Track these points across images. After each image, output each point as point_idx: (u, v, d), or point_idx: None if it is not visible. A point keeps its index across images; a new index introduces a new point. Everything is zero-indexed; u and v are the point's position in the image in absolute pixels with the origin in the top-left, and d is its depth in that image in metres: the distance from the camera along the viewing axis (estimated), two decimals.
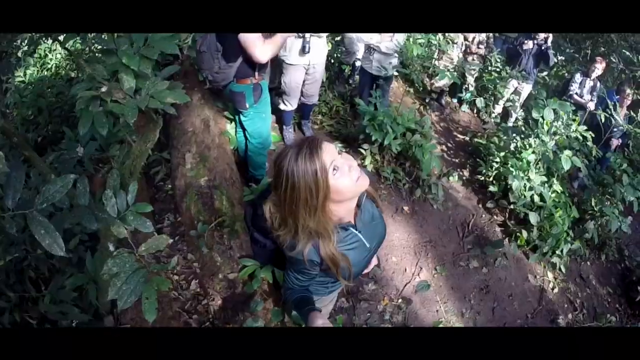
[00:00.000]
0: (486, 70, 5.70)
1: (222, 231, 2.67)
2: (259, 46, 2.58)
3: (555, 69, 7.33)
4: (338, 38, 5.49)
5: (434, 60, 5.20)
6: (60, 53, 5.44)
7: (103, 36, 1.74)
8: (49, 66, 5.49)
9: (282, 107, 3.73)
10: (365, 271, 1.67)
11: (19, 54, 5.05)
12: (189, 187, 2.91)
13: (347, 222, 1.42)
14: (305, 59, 3.43)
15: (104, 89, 1.72)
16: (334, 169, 1.24)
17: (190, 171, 3.00)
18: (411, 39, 4.13)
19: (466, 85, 5.78)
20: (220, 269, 2.54)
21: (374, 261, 1.72)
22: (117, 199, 1.66)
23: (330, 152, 1.25)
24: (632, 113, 4.80)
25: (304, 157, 1.21)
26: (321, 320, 1.34)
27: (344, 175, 1.26)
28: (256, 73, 2.82)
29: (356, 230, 1.47)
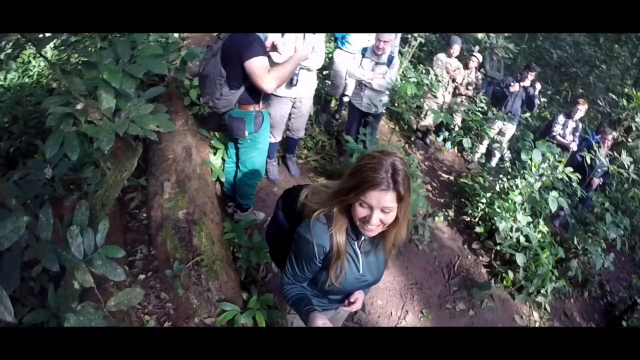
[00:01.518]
0: (472, 111, 5.76)
1: (199, 271, 2.45)
2: (265, 76, 2.47)
3: (537, 111, 7.53)
4: (325, 72, 5.48)
5: (420, 99, 5.22)
6: (44, 61, 5.18)
7: (86, 45, 1.57)
8: (31, 73, 5.20)
9: None
10: (348, 308, 1.64)
11: (2, 57, 4.75)
12: (166, 220, 2.69)
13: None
14: (292, 91, 3.33)
15: (79, 106, 1.53)
16: (362, 204, 1.30)
17: (168, 202, 2.79)
18: (402, 78, 4.10)
19: (452, 125, 5.80)
20: (196, 312, 2.32)
21: (359, 301, 1.64)
22: (84, 237, 1.44)
23: (379, 201, 1.27)
24: (614, 153, 4.89)
25: (377, 177, 1.25)
26: (321, 321, 1.37)
27: (360, 213, 1.32)
28: (261, 101, 2.71)
29: (359, 249, 1.52)
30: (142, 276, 2.64)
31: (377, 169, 1.25)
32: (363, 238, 1.49)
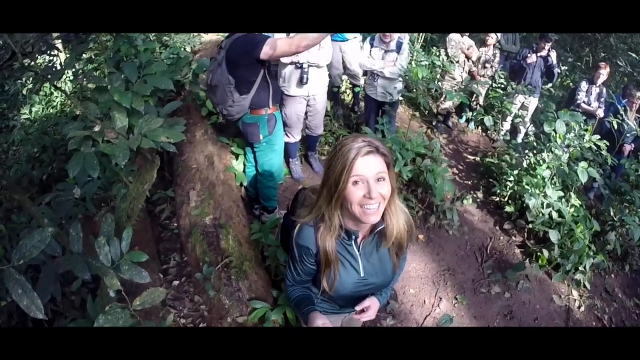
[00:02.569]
0: (491, 88, 5.62)
1: (229, 272, 2.54)
2: (289, 41, 2.37)
3: (559, 80, 7.25)
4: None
5: (436, 81, 5.14)
6: (67, 88, 5.47)
7: (95, 73, 1.69)
8: (54, 104, 5.52)
9: (285, 139, 3.65)
10: (358, 316, 1.54)
11: (24, 92, 5.08)
12: (194, 227, 2.80)
13: (354, 229, 1.40)
14: (304, 90, 3.37)
15: (96, 128, 1.64)
16: (355, 182, 1.25)
17: (194, 209, 2.90)
18: (413, 62, 4.07)
19: (474, 105, 5.69)
20: (228, 312, 2.41)
21: (372, 309, 1.55)
22: (110, 246, 1.55)
23: (369, 167, 1.25)
24: None
25: (354, 147, 1.23)
26: (321, 321, 1.36)
27: (356, 194, 1.26)
28: (270, 102, 2.72)
29: (358, 251, 1.46)
30: (176, 282, 2.76)
31: (353, 143, 1.24)
32: (361, 238, 1.45)
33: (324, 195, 1.33)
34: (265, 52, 2.42)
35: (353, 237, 1.41)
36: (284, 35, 3.03)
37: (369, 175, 1.24)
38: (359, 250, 1.46)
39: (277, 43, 2.41)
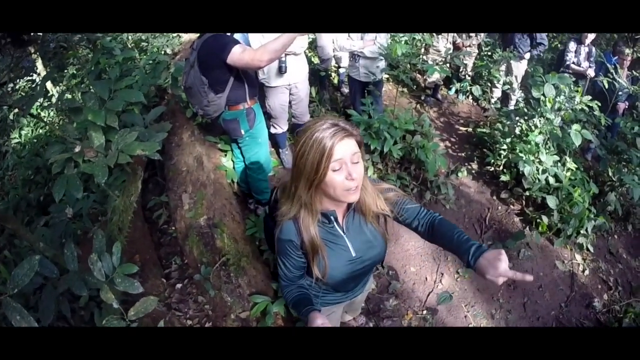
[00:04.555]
0: (478, 57, 5.55)
1: (228, 270, 2.58)
2: (253, 53, 2.38)
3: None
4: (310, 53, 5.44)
5: (421, 56, 5.09)
6: (52, 110, 5.48)
7: (67, 95, 1.70)
8: (43, 124, 5.52)
9: (272, 130, 3.65)
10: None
11: (11, 117, 5.10)
12: (190, 229, 2.83)
13: (330, 210, 1.42)
14: (284, 79, 3.34)
15: (77, 149, 1.66)
16: (335, 167, 1.26)
17: (188, 212, 2.93)
18: (395, 39, 4.02)
19: (462, 75, 5.63)
20: (231, 309, 2.45)
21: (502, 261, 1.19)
22: (102, 262, 1.59)
23: (348, 150, 1.26)
24: (634, 73, 4.58)
25: (328, 133, 1.23)
26: (320, 320, 1.34)
27: (338, 178, 1.27)
28: (247, 97, 2.70)
29: (342, 231, 1.47)
30: (179, 285, 2.80)
31: (326, 129, 1.24)
32: (341, 217, 1.47)
33: (302, 184, 1.31)
34: (232, 59, 2.41)
35: (332, 217, 1.43)
36: (259, 39, 3.01)
37: (347, 158, 1.26)
38: (343, 231, 1.48)
39: (242, 55, 2.39)
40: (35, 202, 3.80)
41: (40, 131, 5.24)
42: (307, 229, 1.39)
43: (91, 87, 2.24)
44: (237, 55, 2.40)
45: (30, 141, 5.03)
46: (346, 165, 1.26)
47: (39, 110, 5.45)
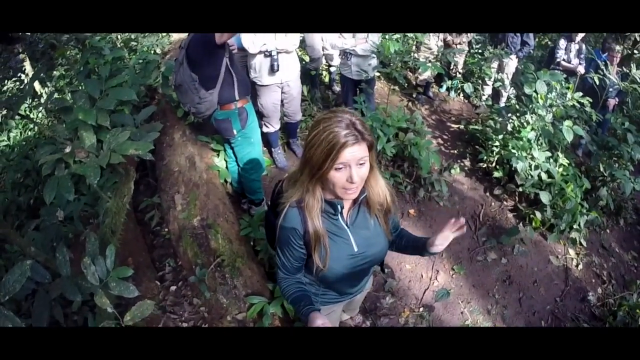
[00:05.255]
0: (469, 55, 5.57)
1: (223, 271, 2.55)
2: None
3: (537, 39, 7.18)
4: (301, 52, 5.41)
5: (412, 53, 5.09)
6: (41, 111, 5.37)
7: (56, 95, 1.66)
8: (32, 126, 5.42)
9: (264, 129, 3.62)
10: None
11: None
12: (183, 230, 2.79)
13: (337, 200, 1.42)
14: (276, 77, 3.33)
15: (67, 150, 1.62)
16: (338, 168, 1.27)
17: (181, 213, 2.88)
18: (385, 38, 4.01)
19: (453, 73, 5.65)
20: (227, 310, 2.42)
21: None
22: (96, 265, 1.55)
23: (356, 154, 1.26)
24: (624, 69, 4.62)
25: (341, 135, 1.23)
26: (320, 320, 1.33)
27: (339, 178, 1.29)
28: (237, 94, 2.68)
29: (346, 224, 1.48)
30: (173, 287, 2.76)
31: (339, 128, 1.23)
32: (346, 209, 1.48)
33: (306, 172, 1.34)
34: (220, 34, 2.38)
35: (338, 207, 1.43)
36: (251, 37, 3.00)
37: (353, 162, 1.27)
38: (347, 225, 1.48)
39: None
40: (26, 206, 3.73)
41: (29, 133, 5.15)
42: (311, 217, 1.39)
43: (81, 86, 2.20)
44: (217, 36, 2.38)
45: (19, 143, 4.93)
46: (350, 168, 1.27)
47: (27, 112, 5.34)
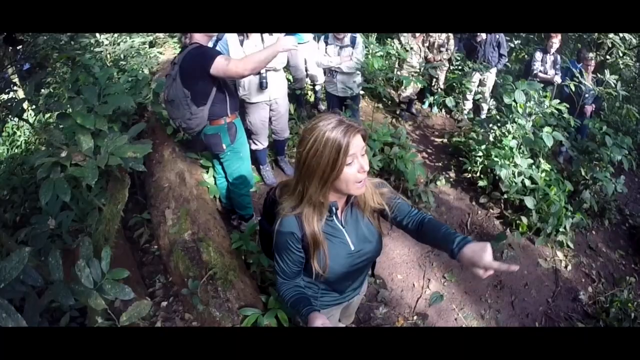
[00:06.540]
0: (449, 70, 5.77)
1: (215, 284, 2.52)
2: (236, 63, 2.46)
3: (514, 54, 7.46)
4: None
5: (395, 70, 5.24)
6: (27, 129, 5.32)
7: (55, 99, 1.68)
8: (18, 143, 5.34)
9: (253, 147, 3.64)
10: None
11: None
12: (174, 245, 2.77)
13: (333, 202, 1.43)
14: (265, 95, 3.37)
15: (63, 154, 1.63)
16: (349, 162, 1.28)
17: (172, 228, 2.87)
18: (369, 55, 4.15)
19: (435, 89, 5.82)
20: (220, 323, 2.38)
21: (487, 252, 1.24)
22: (90, 268, 1.53)
23: (359, 144, 1.29)
24: (598, 75, 4.84)
25: (341, 130, 1.25)
26: (320, 321, 1.33)
27: (352, 172, 1.30)
28: (228, 111, 2.72)
29: (341, 225, 1.49)
30: (164, 303, 2.71)
31: (334, 126, 1.26)
32: (340, 210, 1.48)
33: (315, 182, 1.31)
34: (216, 68, 2.45)
35: (334, 209, 1.44)
36: (240, 53, 3.06)
37: (358, 153, 1.31)
38: (342, 225, 1.50)
39: (228, 65, 2.44)
40: (11, 223, 3.65)
41: (16, 150, 5.08)
42: (310, 223, 1.39)
43: (79, 94, 2.22)
44: (222, 65, 2.44)
45: (5, 160, 4.85)
46: (357, 158, 1.31)
47: (14, 129, 5.30)
